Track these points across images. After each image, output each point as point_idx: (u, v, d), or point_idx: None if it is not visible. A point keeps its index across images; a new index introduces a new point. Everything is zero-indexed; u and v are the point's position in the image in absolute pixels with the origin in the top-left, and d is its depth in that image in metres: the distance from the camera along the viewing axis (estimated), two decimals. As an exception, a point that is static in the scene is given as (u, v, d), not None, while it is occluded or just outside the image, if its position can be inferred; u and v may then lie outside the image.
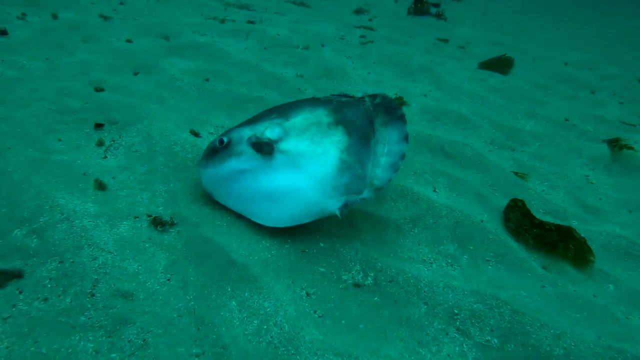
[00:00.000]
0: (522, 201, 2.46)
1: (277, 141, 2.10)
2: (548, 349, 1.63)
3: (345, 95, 2.33)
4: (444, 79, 4.54)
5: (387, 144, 2.06)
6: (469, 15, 8.77)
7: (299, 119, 2.16)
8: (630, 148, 3.30)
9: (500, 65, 5.16)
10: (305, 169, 2.02)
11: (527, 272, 2.10)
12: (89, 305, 1.61)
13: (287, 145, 2.09)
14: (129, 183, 2.34)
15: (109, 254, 1.83)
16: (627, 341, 1.73)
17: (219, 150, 2.15)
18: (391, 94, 4.08)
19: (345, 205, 1.92)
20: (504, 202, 2.60)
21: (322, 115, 2.16)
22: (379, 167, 2.00)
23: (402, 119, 2.11)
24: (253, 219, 2.09)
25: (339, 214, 1.90)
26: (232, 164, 2.11)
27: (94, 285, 1.68)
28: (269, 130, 2.12)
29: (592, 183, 3.03)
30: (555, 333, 1.67)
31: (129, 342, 1.52)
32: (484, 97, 4.28)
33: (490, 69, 5.15)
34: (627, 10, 13.28)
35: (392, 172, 1.99)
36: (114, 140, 2.69)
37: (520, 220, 2.34)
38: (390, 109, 2.16)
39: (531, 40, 7.45)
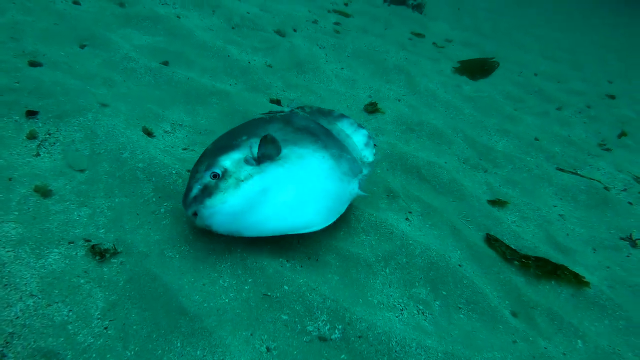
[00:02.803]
0: (497, 239, 2.39)
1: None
2: None
3: (278, 112, 2.42)
4: (419, 82, 4.36)
5: (346, 133, 2.40)
6: (444, 10, 8.59)
7: (273, 134, 2.07)
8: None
9: (477, 70, 5.07)
10: (313, 167, 2.01)
11: (499, 323, 2.00)
12: (1, 370, 1.32)
13: (285, 151, 2.01)
14: (64, 194, 2.00)
15: (32, 297, 1.52)
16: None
17: (217, 184, 1.84)
18: (364, 96, 3.86)
19: (359, 185, 2.11)
20: (477, 236, 2.49)
21: (283, 127, 2.18)
22: (359, 148, 2.36)
23: (341, 115, 2.49)
24: (303, 231, 1.88)
25: (362, 193, 2.10)
26: (251, 188, 1.85)
27: (6, 342, 1.38)
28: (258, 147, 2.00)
29: (560, 216, 2.99)
30: (530, 410, 1.57)
31: (49, 421, 1.25)
32: (458, 107, 4.15)
33: (465, 74, 5.04)
34: (602, 18, 13.66)
35: (371, 147, 2.40)
36: (49, 134, 2.30)
37: (511, 253, 2.38)
38: (325, 112, 2.51)
39: (505, 42, 7.42)
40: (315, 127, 2.24)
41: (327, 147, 2.13)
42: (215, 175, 1.85)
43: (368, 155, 2.36)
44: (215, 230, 1.81)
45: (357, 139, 2.41)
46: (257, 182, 1.87)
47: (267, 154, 1.94)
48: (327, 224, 1.93)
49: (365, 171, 2.25)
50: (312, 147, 2.09)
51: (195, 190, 1.84)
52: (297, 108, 2.49)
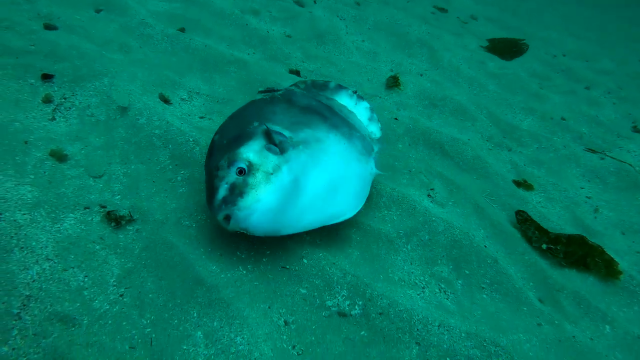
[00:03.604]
0: (526, 213, 2.34)
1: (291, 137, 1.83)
2: (548, 412, 1.48)
3: (274, 89, 2.25)
4: (442, 57, 4.20)
5: (348, 109, 2.18)
6: (469, -18, 8.26)
7: (281, 116, 1.93)
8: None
9: (507, 50, 4.87)
10: (333, 150, 1.89)
11: (523, 305, 1.93)
12: (15, 332, 1.30)
13: (302, 135, 1.85)
14: (80, 160, 1.95)
15: (48, 261, 1.49)
16: (625, 400, 1.60)
17: (246, 180, 1.64)
18: (386, 69, 3.72)
19: (375, 164, 2.02)
20: (501, 216, 2.40)
21: (289, 108, 2.02)
22: (364, 125, 2.19)
23: (337, 87, 2.26)
24: (337, 220, 1.79)
25: (381, 172, 2.03)
26: (282, 181, 1.68)
27: (23, 305, 1.35)
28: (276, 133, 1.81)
29: (588, 198, 2.87)
30: (557, 394, 1.51)
31: (65, 386, 1.23)
32: (482, 84, 4.00)
33: (494, 53, 4.85)
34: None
35: (376, 122, 2.24)
36: (65, 98, 2.25)
37: (538, 237, 2.26)
38: (320, 85, 2.27)
39: (531, 19, 7.12)
40: (318, 105, 2.07)
41: (337, 127, 1.99)
42: (241, 171, 1.65)
43: (375, 131, 2.21)
44: (251, 233, 1.62)
45: (360, 113, 2.24)
46: (286, 173, 1.69)
47: (288, 140, 1.78)
48: (358, 210, 1.84)
49: (376, 148, 2.10)
50: (324, 127, 1.94)
51: (223, 190, 1.62)
52: (292, 85, 2.26)
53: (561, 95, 4.37)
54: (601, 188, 3.03)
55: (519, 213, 2.36)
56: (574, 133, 3.64)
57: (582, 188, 3.00)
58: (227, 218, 1.60)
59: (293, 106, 2.00)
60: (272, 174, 1.67)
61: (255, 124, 1.80)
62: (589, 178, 3.11)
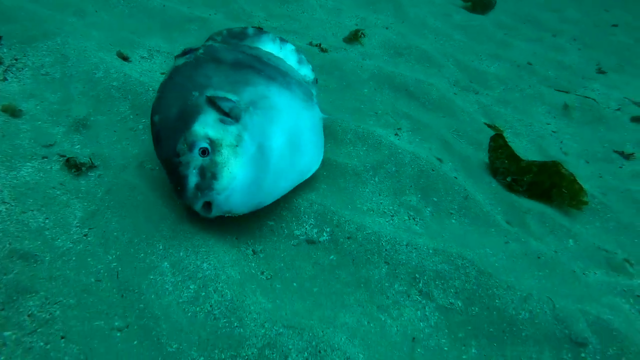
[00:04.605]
0: (502, 137, 2.31)
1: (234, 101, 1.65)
2: (513, 312, 1.53)
3: (192, 49, 1.89)
4: (408, 12, 4.19)
5: (275, 55, 2.02)
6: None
7: (216, 78, 1.74)
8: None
9: (478, 4, 4.89)
10: (281, 105, 1.77)
11: (491, 227, 1.97)
12: (-24, 271, 1.28)
13: (247, 95, 1.70)
14: (36, 114, 1.91)
15: (4, 204, 1.46)
16: (586, 301, 1.67)
17: (213, 160, 1.50)
18: (351, 24, 3.70)
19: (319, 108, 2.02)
20: (468, 149, 2.44)
21: (217, 67, 1.80)
22: (296, 68, 2.07)
23: (257, 32, 2.05)
24: (308, 176, 1.77)
25: (326, 115, 2.07)
26: (249, 150, 1.56)
27: (-19, 245, 1.34)
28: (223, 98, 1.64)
29: (554, 132, 2.93)
30: (521, 296, 1.56)
31: (29, 316, 1.23)
32: (448, 34, 4.00)
33: (466, 9, 4.85)
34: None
35: (306, 63, 2.12)
36: (16, 59, 2.19)
37: (507, 169, 2.25)
38: (237, 34, 2.04)
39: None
40: (246, 58, 1.87)
41: (274, 78, 1.85)
42: (204, 151, 1.50)
43: (308, 73, 2.09)
44: (236, 213, 1.53)
45: (288, 57, 2.07)
46: (249, 141, 1.57)
47: (237, 105, 1.62)
48: (321, 159, 1.83)
49: (314, 91, 2.05)
50: (262, 82, 1.79)
51: (193, 177, 1.48)
52: (208, 40, 2.00)
53: (528, 43, 4.41)
54: (566, 123, 3.10)
55: (493, 139, 2.32)
56: (540, 76, 3.68)
57: (548, 124, 3.05)
58: (208, 205, 1.49)
59: (222, 64, 1.79)
60: (237, 146, 1.54)
61: (195, 93, 1.61)
62: (554, 115, 3.16)
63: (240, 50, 1.93)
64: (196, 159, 1.49)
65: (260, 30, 2.07)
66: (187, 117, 1.55)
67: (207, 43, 1.95)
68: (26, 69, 2.16)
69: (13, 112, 1.85)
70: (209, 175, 1.48)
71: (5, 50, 2.20)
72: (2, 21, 2.30)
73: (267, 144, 1.62)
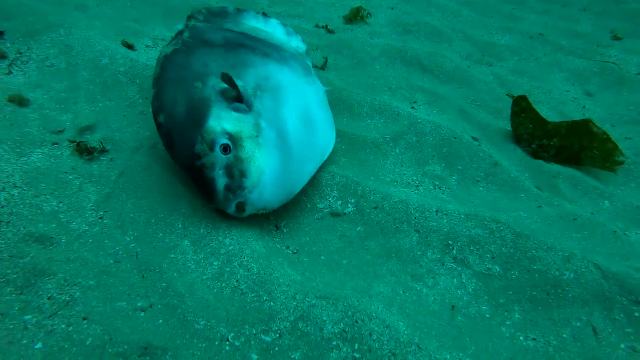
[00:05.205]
0: (526, 99, 2.17)
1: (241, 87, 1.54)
2: (557, 273, 1.43)
3: (179, 32, 1.80)
4: (412, -9, 4.09)
5: (263, 30, 1.93)
6: None
7: (214, 64, 1.64)
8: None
9: None
10: (285, 83, 1.66)
11: (521, 192, 1.88)
12: (-10, 256, 1.22)
13: (251, 78, 1.61)
14: (43, 103, 1.85)
15: (16, 188, 1.40)
16: (633, 259, 1.57)
17: (238, 156, 1.40)
18: (355, 5, 3.61)
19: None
20: (489, 118, 2.34)
21: (211, 51, 1.69)
22: (284, 40, 1.96)
23: (237, 10, 1.96)
24: (328, 154, 1.68)
25: (327, 87, 1.94)
26: (269, 138, 1.47)
27: (-5, 230, 1.28)
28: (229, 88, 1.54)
29: (575, 98, 2.82)
30: (564, 255, 1.47)
31: (49, 299, 1.16)
32: (455, 10, 3.90)
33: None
34: None
35: (294, 34, 2.03)
36: (20, 53, 2.14)
37: (531, 134, 2.12)
38: (219, 13, 1.93)
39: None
40: (235, 36, 1.77)
41: (269, 55, 1.72)
42: (225, 148, 1.39)
43: (299, 44, 1.99)
44: (270, 209, 1.44)
45: (275, 31, 1.97)
46: (267, 128, 1.46)
47: (245, 92, 1.52)
48: (334, 135, 1.75)
49: (309, 63, 1.96)
50: (260, 61, 1.67)
51: (220, 178, 1.37)
52: (189, 19, 1.89)
53: (537, 15, 4.29)
54: (586, 88, 2.98)
55: (516, 102, 2.19)
56: (553, 45, 3.57)
57: (568, 91, 2.94)
58: (241, 206, 1.39)
59: (214, 47, 1.68)
60: (257, 136, 1.43)
61: (198, 84, 1.50)
62: (573, 81, 3.05)
63: (226, 28, 1.82)
64: (220, 159, 1.38)
65: (239, 9, 1.97)
66: (198, 112, 1.43)
67: (189, 23, 1.84)
68: (31, 61, 2.11)
69: (20, 102, 1.80)
70: (237, 173, 1.37)
71: (8, 44, 2.15)
72: (3, 17, 2.25)
73: (284, 129, 1.51)
